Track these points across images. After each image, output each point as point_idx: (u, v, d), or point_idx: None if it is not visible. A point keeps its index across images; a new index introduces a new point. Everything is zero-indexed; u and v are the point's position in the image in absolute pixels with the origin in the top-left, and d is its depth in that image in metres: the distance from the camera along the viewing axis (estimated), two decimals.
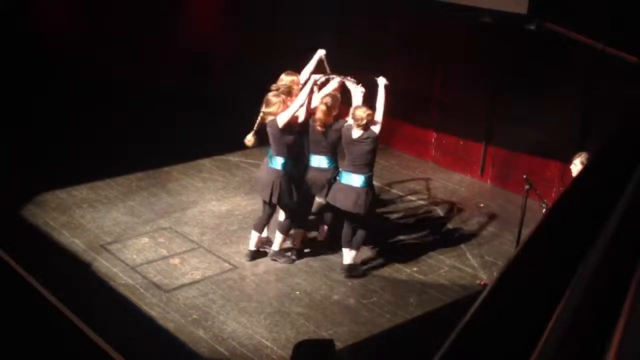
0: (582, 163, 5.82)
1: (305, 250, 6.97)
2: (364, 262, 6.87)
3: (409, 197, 8.61)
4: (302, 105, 6.38)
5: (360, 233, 6.58)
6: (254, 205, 7.90)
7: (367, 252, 7.07)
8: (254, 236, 6.74)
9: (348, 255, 6.60)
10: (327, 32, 10.09)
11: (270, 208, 6.62)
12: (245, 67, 10.34)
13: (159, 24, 10.42)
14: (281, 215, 6.86)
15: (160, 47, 10.28)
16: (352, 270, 6.62)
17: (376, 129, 6.36)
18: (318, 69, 6.88)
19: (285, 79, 6.64)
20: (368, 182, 6.43)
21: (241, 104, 10.00)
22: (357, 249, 6.64)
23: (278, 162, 6.43)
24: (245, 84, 9.91)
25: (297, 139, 6.52)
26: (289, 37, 9.94)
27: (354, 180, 6.36)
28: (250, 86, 9.33)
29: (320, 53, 7.01)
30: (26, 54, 9.22)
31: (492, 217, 8.19)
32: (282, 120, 6.31)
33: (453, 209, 8.31)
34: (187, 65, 10.52)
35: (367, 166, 6.43)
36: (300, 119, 6.50)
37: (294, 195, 6.53)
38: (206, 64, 10.66)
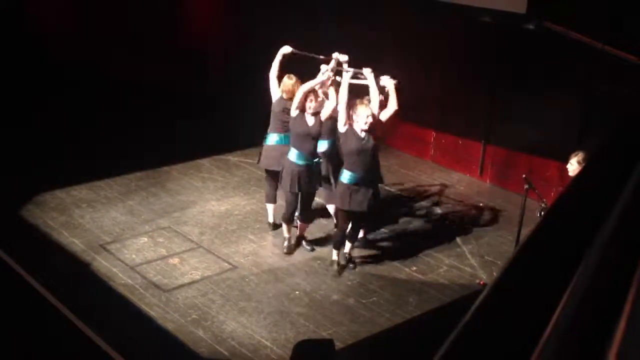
0: (578, 162, 5.83)
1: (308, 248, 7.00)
2: (364, 262, 6.87)
3: (408, 197, 8.61)
4: (308, 93, 6.46)
5: (337, 229, 6.69)
6: (253, 205, 7.90)
7: (367, 251, 7.07)
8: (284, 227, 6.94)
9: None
10: (327, 32, 10.09)
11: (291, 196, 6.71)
12: (245, 67, 10.33)
13: (159, 23, 10.41)
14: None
15: (159, 47, 10.27)
16: (330, 265, 6.73)
17: (339, 125, 6.34)
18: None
19: (287, 82, 6.73)
20: (342, 176, 6.42)
21: (241, 104, 10.02)
22: (335, 247, 6.71)
23: (291, 154, 6.58)
24: (245, 84, 9.91)
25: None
26: (290, 38, 9.93)
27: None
28: (250, 86, 9.34)
29: (284, 50, 7.01)
30: (25, 54, 9.21)
31: (491, 216, 8.19)
32: (292, 108, 6.52)
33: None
34: (187, 65, 10.51)
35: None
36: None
37: (289, 186, 6.56)
38: (206, 64, 10.65)
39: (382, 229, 7.62)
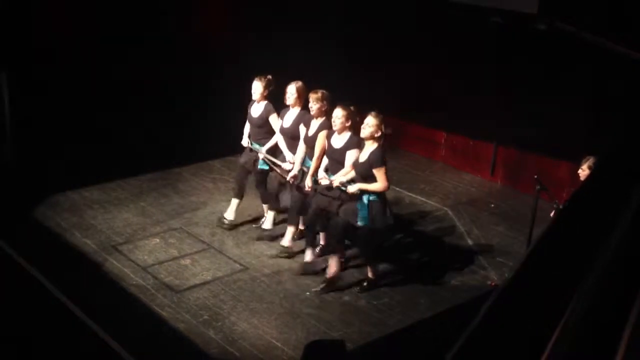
0: (589, 168, 5.79)
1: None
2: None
3: (419, 198, 8.60)
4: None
5: None
6: (263, 209, 7.91)
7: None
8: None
9: None
10: (332, 34, 10.10)
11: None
12: (255, 68, 10.34)
13: (168, 24, 10.44)
14: None
15: (169, 48, 10.30)
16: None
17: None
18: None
19: (312, 96, 6.66)
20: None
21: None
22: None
23: None
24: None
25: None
26: (294, 39, 9.95)
27: None
28: None
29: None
30: (32, 54, 9.25)
31: (502, 217, 8.16)
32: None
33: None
34: (198, 66, 10.54)
35: None
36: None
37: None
38: (217, 65, 10.67)
39: (393, 231, 7.61)
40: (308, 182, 6.54)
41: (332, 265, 6.37)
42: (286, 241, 6.92)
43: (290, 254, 6.88)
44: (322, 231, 6.89)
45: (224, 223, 7.41)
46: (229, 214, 7.42)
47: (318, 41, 9.95)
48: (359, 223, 6.12)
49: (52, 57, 9.42)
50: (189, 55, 10.54)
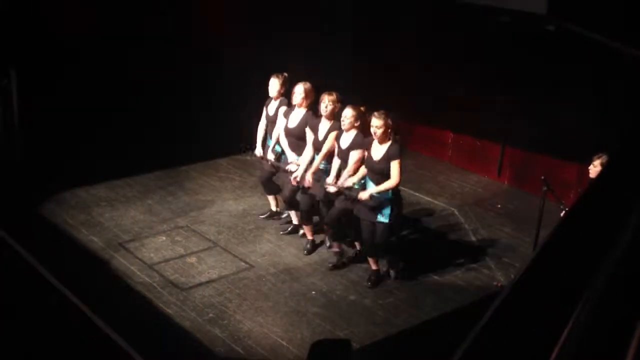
0: (601, 165, 5.76)
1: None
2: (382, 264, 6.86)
3: (426, 198, 8.59)
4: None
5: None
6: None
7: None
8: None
9: None
10: (340, 33, 10.08)
11: None
12: (263, 67, 10.34)
13: (174, 23, 10.45)
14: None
15: (176, 46, 10.30)
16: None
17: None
18: None
19: (327, 97, 6.64)
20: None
21: (259, 104, 10.02)
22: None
23: None
24: (263, 84, 9.92)
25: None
26: (295, 38, 9.94)
27: None
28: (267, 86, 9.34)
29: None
30: (40, 53, 9.27)
31: (509, 218, 8.14)
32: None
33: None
34: (205, 65, 10.54)
35: None
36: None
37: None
38: (225, 64, 10.68)
39: (399, 231, 7.60)
40: (308, 177, 6.56)
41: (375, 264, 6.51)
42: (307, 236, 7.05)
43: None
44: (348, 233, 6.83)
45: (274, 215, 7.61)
46: (273, 206, 7.61)
47: (320, 41, 9.94)
48: (381, 220, 6.11)
49: (60, 56, 9.43)
50: (191, 54, 10.54)
